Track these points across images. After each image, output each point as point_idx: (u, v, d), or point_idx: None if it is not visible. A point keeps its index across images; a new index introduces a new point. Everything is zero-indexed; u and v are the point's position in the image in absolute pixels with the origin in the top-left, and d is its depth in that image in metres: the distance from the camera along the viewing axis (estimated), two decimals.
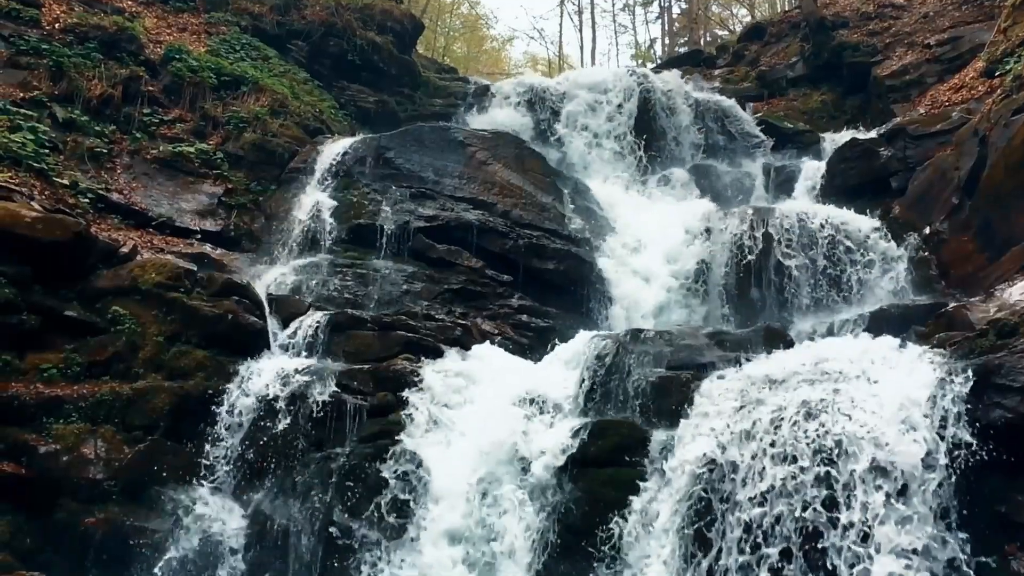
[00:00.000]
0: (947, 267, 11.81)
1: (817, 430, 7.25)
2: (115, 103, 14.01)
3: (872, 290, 12.25)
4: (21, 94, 13.08)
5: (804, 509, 6.99)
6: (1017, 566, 6.49)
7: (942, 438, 6.97)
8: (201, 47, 16.60)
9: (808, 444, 7.21)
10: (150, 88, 14.69)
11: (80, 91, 13.67)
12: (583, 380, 9.45)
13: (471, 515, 8.66)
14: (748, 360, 8.78)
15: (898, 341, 8.32)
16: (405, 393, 9.74)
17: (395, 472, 9.02)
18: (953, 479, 6.82)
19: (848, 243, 12.56)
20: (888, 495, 6.78)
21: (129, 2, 16.88)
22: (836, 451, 7.07)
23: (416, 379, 9.92)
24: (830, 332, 10.61)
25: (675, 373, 9.01)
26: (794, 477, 7.13)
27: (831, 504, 6.93)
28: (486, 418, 9.40)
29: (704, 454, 7.72)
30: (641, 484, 8.15)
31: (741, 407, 7.94)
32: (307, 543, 8.89)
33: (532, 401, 9.52)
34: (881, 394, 7.39)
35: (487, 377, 10.21)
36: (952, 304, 9.81)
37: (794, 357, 8.62)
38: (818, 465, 7.08)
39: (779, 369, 8.37)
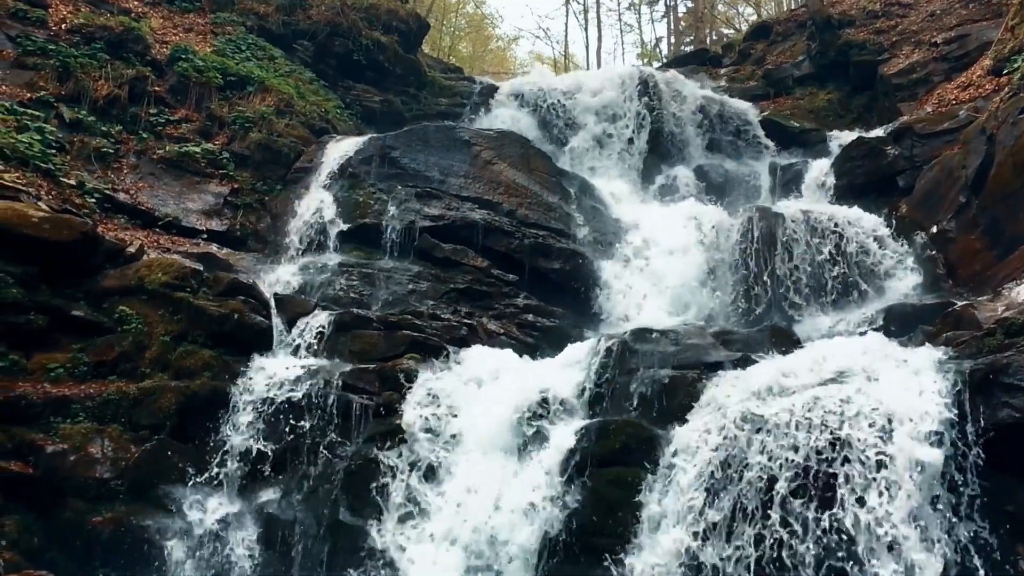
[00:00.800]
0: (954, 266, 11.77)
1: (817, 510, 6.33)
2: (121, 103, 14.06)
3: (879, 289, 12.22)
4: (28, 94, 13.13)
5: None
6: None
7: (952, 532, 6.39)
8: (207, 47, 16.63)
9: (808, 549, 6.36)
10: (156, 88, 14.73)
11: (86, 91, 13.72)
12: (588, 382, 9.36)
13: None
14: (756, 361, 8.70)
15: (901, 357, 7.98)
16: (376, 452, 9.14)
17: None
18: None
19: (855, 242, 12.53)
20: None
21: (135, 2, 16.93)
22: (851, 561, 6.20)
23: (396, 420, 9.42)
24: (839, 333, 10.58)
25: (681, 373, 8.96)
26: None
27: None
28: (473, 485, 8.78)
29: (678, 550, 7.00)
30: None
31: (722, 468, 7.17)
32: (314, 542, 8.90)
33: (526, 449, 8.89)
34: (896, 456, 6.58)
35: (482, 397, 9.72)
36: (960, 303, 9.77)
37: (796, 363, 8.29)
38: None
39: (771, 394, 7.60)
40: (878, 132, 15.25)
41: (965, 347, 7.87)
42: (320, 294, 12.07)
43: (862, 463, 6.69)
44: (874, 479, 6.63)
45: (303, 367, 10.07)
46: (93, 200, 12.16)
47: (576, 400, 9.37)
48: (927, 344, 8.30)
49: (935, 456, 6.68)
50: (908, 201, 13.04)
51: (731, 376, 8.56)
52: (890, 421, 6.90)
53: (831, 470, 6.77)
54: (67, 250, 10.18)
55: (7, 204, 9.99)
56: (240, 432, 9.56)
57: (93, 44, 14.54)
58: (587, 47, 43.22)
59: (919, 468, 6.64)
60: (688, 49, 34.32)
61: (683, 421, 8.25)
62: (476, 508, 8.60)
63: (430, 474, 9.08)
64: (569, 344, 10.76)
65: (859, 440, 6.84)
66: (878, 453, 6.75)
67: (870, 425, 6.90)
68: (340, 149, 14.60)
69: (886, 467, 6.67)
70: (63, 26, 14.74)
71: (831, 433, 6.94)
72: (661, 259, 13.17)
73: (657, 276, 12.97)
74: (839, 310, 11.91)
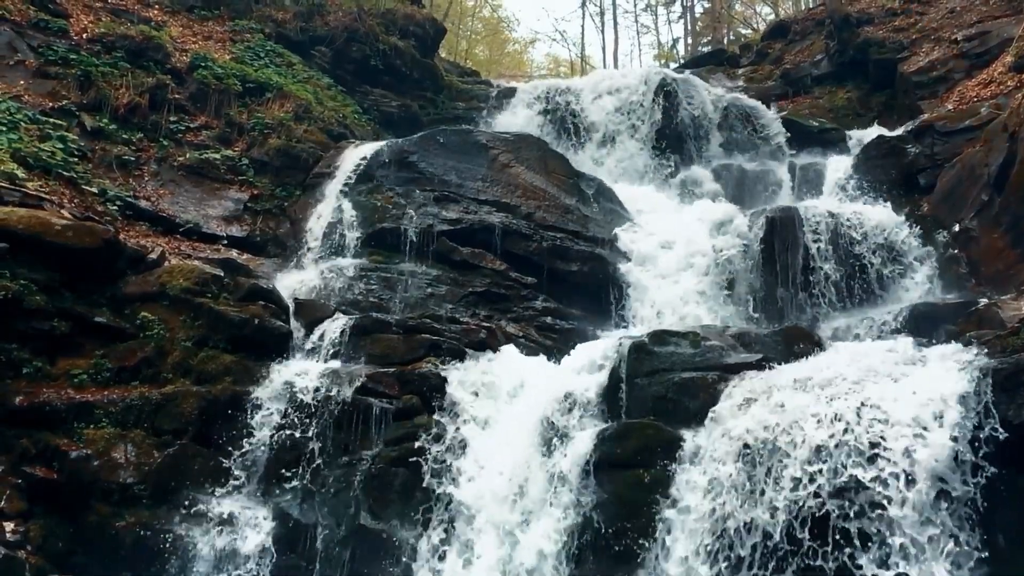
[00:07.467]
0: (977, 265, 11.66)
1: (836, 512, 6.23)
2: (142, 111, 14.19)
3: (902, 288, 12.12)
4: (50, 103, 13.29)
5: None
6: None
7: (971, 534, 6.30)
8: (226, 54, 16.77)
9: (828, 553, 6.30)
10: (176, 96, 14.86)
11: (108, 100, 13.87)
12: (606, 384, 9.29)
13: None
14: (772, 366, 8.62)
15: (925, 358, 7.79)
16: (396, 455, 9.27)
17: None
18: None
19: (877, 242, 12.43)
20: None
21: (155, 11, 17.10)
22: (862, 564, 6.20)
23: (416, 424, 9.55)
24: (861, 333, 10.49)
25: (700, 374, 8.89)
26: None
27: None
28: (496, 489, 8.86)
29: (697, 550, 7.02)
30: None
31: (745, 470, 7.07)
32: (335, 545, 8.94)
33: (548, 452, 8.84)
34: (918, 458, 6.47)
35: (503, 400, 9.84)
36: (983, 302, 9.68)
37: (818, 365, 8.12)
38: None
39: (792, 396, 7.47)
40: (898, 131, 15.12)
41: (989, 346, 7.77)
42: (339, 298, 12.12)
43: (882, 465, 6.63)
44: (895, 481, 6.55)
45: (323, 371, 10.12)
46: (115, 207, 12.28)
47: (596, 403, 9.33)
48: (950, 344, 8.21)
49: (956, 456, 6.60)
50: (930, 199, 12.93)
51: (751, 378, 8.49)
52: (911, 423, 6.82)
53: (850, 471, 6.71)
54: (90, 257, 10.28)
55: (30, 212, 10.10)
56: (261, 436, 9.61)
57: (114, 53, 14.70)
58: (604, 49, 43.19)
59: (939, 469, 6.56)
60: (705, 49, 34.19)
61: (703, 423, 8.20)
62: (499, 511, 8.69)
63: (451, 476, 9.10)
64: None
65: (880, 442, 6.77)
66: (900, 455, 6.67)
67: (892, 426, 6.82)
68: (358, 154, 14.66)
69: (907, 469, 6.60)
70: (84, 35, 14.92)
71: (851, 435, 6.87)
72: (678, 260, 13.10)
73: (675, 277, 12.91)
74: (861, 310, 11.81)
